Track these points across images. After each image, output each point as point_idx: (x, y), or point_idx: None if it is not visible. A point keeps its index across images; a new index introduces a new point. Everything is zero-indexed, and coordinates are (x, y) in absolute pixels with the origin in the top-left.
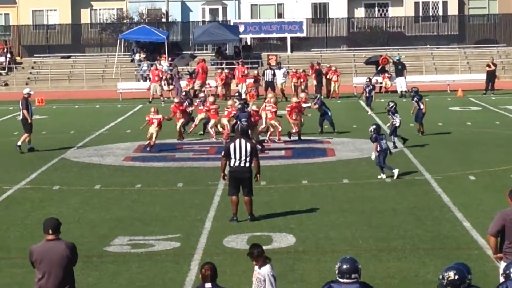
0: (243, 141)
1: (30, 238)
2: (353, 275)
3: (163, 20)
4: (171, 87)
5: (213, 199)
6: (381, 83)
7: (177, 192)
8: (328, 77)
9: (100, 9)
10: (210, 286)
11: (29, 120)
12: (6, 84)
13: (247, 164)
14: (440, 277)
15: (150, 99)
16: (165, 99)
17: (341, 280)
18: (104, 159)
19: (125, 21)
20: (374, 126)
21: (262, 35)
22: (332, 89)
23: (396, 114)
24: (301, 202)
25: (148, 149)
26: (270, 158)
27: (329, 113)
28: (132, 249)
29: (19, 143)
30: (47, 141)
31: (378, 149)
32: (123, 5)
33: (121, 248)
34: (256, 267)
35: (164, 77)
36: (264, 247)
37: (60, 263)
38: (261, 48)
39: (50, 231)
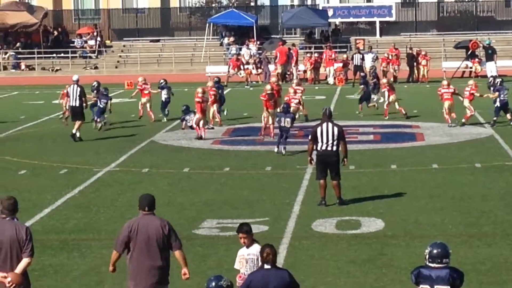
0: (330, 124)
1: (119, 220)
2: (444, 260)
3: (252, 4)
4: (259, 71)
5: (301, 183)
6: (471, 67)
7: (265, 175)
8: (417, 61)
9: None
10: (269, 267)
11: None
12: (96, 68)
13: (334, 148)
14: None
15: (225, 83)
16: (253, 82)
17: (431, 265)
18: (192, 142)
19: (213, 5)
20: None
21: (351, 19)
22: (421, 73)
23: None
24: (390, 187)
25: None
26: (359, 143)
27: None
28: (221, 232)
29: (78, 133)
30: (136, 124)
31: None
32: None
33: (210, 231)
34: (243, 249)
35: (253, 61)
36: (353, 232)
37: (157, 238)
38: (350, 32)
39: (146, 208)
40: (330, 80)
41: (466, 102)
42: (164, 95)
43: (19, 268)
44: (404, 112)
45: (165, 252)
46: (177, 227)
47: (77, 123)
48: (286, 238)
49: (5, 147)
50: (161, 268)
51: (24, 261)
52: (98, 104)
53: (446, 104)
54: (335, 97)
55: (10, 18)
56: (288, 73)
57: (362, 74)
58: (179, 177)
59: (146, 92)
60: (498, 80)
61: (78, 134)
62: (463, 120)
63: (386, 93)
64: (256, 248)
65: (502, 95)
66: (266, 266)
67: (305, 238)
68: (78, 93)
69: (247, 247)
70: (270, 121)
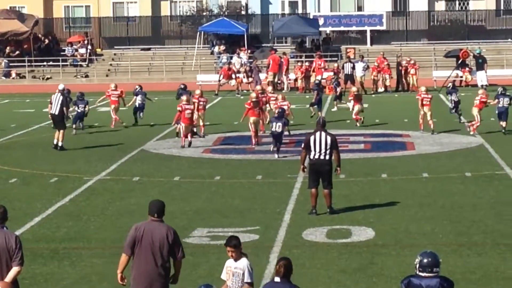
0: (323, 133)
1: (110, 229)
2: (434, 269)
3: (243, 12)
4: (250, 79)
5: (292, 192)
6: (461, 77)
7: (256, 184)
8: (407, 70)
9: (180, 1)
10: (279, 280)
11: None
12: (87, 76)
13: (327, 157)
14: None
15: (216, 92)
16: (244, 91)
17: (422, 274)
18: (183, 151)
19: (204, 13)
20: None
21: (342, 28)
22: (411, 82)
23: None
24: (380, 196)
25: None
26: (350, 151)
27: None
28: (211, 241)
29: (60, 143)
30: (127, 133)
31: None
32: None
33: (200, 240)
34: (231, 261)
35: (243, 70)
36: (343, 241)
37: (160, 245)
38: (340, 41)
39: (156, 214)
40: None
41: (475, 111)
42: (138, 100)
43: (8, 277)
44: (360, 121)
45: (167, 260)
46: None
47: (60, 132)
48: (277, 247)
49: None
50: (161, 275)
51: (14, 269)
52: (76, 109)
53: (426, 109)
54: (325, 106)
55: (1, 26)
56: (279, 82)
57: (316, 81)
58: (170, 186)
59: (113, 98)
60: (500, 88)
61: (60, 144)
62: (471, 130)
63: (352, 102)
64: (243, 262)
65: (501, 103)
66: (276, 279)
67: (296, 247)
68: (59, 102)
69: (235, 260)
70: (253, 128)
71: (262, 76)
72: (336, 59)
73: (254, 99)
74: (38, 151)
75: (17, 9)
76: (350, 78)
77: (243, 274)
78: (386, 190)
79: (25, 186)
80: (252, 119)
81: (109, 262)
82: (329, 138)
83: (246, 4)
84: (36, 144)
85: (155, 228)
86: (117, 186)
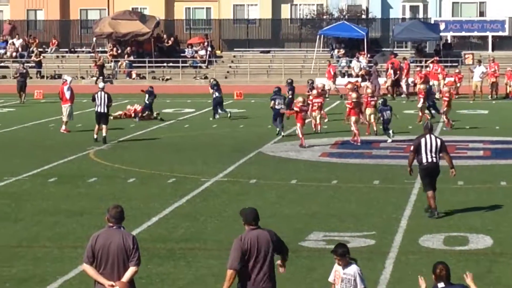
0: (432, 137)
1: (226, 230)
2: None
3: (363, 16)
4: (367, 83)
5: (409, 197)
6: None
7: (373, 189)
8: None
9: (300, 5)
10: (443, 286)
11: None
12: (206, 77)
13: (438, 160)
14: None
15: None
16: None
17: None
18: (300, 154)
19: (324, 17)
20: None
21: (463, 33)
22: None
23: None
24: (499, 204)
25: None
26: (469, 158)
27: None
28: (327, 245)
29: (95, 136)
30: (245, 135)
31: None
32: (323, 1)
33: (316, 244)
34: (339, 268)
35: (362, 74)
36: (460, 248)
37: (266, 251)
38: (461, 46)
39: (254, 222)
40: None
41: None
42: (146, 100)
43: (126, 277)
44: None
45: (272, 262)
46: (284, 239)
47: (104, 127)
48: (393, 252)
49: (115, 154)
50: (273, 279)
51: (131, 269)
52: (145, 101)
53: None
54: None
55: (123, 27)
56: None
57: (288, 80)
58: (287, 189)
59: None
60: None
61: (104, 135)
62: None
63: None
64: (353, 268)
65: None
66: (440, 285)
67: (412, 253)
68: (105, 100)
69: (343, 268)
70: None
71: (381, 80)
72: (456, 64)
73: (354, 99)
74: (157, 151)
75: (139, 10)
76: None
77: (355, 280)
78: (504, 198)
79: (143, 186)
80: (353, 118)
81: (225, 264)
82: (438, 141)
83: (367, 8)
84: (154, 144)
85: (259, 235)
86: (234, 188)
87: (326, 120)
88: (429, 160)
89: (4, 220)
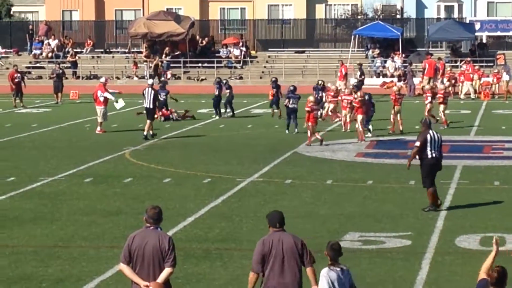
0: (434, 132)
1: (262, 231)
2: None
3: (398, 16)
4: (401, 83)
5: (445, 198)
6: None
7: (409, 189)
8: None
9: (335, 5)
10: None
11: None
12: (241, 78)
13: (439, 155)
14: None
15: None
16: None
17: None
18: (336, 154)
19: (359, 17)
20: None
21: (499, 33)
22: None
23: None
24: None
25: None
26: (505, 158)
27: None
28: (363, 246)
29: (147, 131)
30: (280, 135)
31: None
32: (357, 1)
33: (352, 244)
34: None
35: (397, 74)
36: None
37: (289, 254)
38: (497, 46)
39: (278, 225)
40: (462, 95)
41: None
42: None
43: (161, 278)
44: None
45: (300, 268)
46: (319, 239)
47: (148, 123)
48: (429, 253)
49: (151, 155)
50: (298, 284)
51: (166, 270)
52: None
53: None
54: (480, 112)
55: (158, 28)
56: (434, 86)
57: (273, 79)
58: (322, 189)
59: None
60: None
61: (151, 133)
62: None
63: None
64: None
65: None
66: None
67: (448, 253)
68: (152, 96)
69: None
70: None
71: (416, 80)
72: (492, 64)
73: (360, 99)
74: (192, 151)
75: (173, 10)
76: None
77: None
78: None
79: (179, 186)
80: (360, 117)
81: None
82: (440, 136)
83: (402, 8)
84: (190, 144)
85: (283, 237)
86: (269, 188)
87: (337, 120)
88: (434, 155)
89: (41, 220)
